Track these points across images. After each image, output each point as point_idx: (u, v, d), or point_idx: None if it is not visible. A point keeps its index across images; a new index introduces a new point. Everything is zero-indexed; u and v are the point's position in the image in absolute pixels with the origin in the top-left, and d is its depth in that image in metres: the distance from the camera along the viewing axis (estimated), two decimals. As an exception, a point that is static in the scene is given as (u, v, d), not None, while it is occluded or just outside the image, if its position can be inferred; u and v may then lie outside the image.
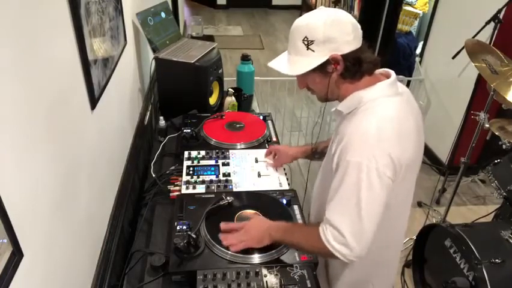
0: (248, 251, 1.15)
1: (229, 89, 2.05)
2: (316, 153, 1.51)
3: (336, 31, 1.02)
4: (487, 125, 2.18)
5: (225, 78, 2.17)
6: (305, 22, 1.05)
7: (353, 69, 1.06)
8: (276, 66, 1.13)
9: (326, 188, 1.21)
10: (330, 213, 1.04)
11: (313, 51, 1.04)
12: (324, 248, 1.03)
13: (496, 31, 2.35)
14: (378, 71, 1.13)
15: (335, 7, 5.21)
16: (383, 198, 1.00)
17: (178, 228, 1.22)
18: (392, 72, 1.12)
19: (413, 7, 4.21)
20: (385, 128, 1.00)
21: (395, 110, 1.04)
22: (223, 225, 1.21)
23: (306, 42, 1.04)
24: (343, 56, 1.03)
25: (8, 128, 0.66)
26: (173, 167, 1.60)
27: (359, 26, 1.06)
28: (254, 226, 1.19)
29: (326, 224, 1.04)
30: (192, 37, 4.48)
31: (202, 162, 1.56)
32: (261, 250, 1.16)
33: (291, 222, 1.27)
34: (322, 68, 1.06)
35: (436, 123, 3.25)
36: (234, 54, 5.34)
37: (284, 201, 1.37)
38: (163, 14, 2.03)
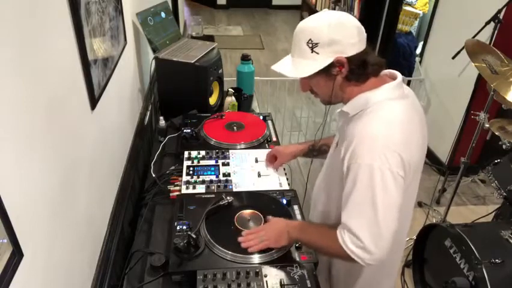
0: (247, 250, 1.15)
1: (229, 89, 2.05)
2: (314, 150, 1.51)
3: (341, 34, 1.02)
4: (487, 125, 2.19)
5: (225, 78, 2.17)
6: (310, 24, 1.05)
7: (358, 71, 1.05)
8: (280, 69, 1.12)
9: (330, 187, 1.21)
10: (346, 218, 1.03)
11: (318, 53, 1.04)
12: (342, 251, 1.02)
13: (496, 31, 2.35)
14: (384, 72, 1.13)
15: (334, 7, 5.22)
16: (398, 198, 0.99)
17: (178, 228, 1.22)
18: (398, 74, 1.11)
19: (413, 7, 4.21)
20: (394, 131, 1.00)
21: (402, 113, 1.03)
22: (244, 233, 1.20)
23: (310, 45, 1.03)
24: (348, 58, 1.03)
25: (8, 128, 0.66)
26: (173, 167, 1.60)
27: (363, 28, 1.05)
28: (272, 226, 1.19)
29: (343, 229, 1.04)
30: (192, 37, 4.49)
31: (202, 162, 1.56)
32: (261, 250, 1.16)
33: (309, 222, 1.28)
34: (326, 71, 1.05)
35: (436, 123, 3.25)
36: (234, 54, 5.35)
37: (284, 201, 1.37)
38: (163, 14, 2.03)
